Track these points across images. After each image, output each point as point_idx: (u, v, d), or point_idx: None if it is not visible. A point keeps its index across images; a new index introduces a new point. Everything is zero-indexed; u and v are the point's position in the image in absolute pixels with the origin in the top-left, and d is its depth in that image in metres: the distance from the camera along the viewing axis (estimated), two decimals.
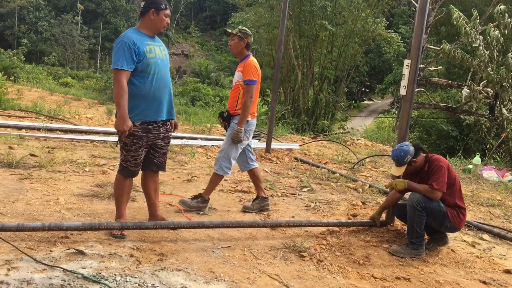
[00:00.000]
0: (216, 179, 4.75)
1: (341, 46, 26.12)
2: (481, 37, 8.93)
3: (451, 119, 19.69)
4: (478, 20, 8.84)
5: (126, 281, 3.02)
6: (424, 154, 4.21)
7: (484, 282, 3.71)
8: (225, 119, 4.74)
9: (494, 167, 8.96)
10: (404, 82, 4.45)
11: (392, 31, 33.88)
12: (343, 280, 3.47)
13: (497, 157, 10.16)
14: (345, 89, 31.24)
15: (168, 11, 3.78)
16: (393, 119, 24.85)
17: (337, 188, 6.48)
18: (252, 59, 4.67)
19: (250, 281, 3.26)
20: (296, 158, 8.46)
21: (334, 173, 7.33)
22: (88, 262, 3.23)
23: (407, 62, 4.43)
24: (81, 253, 3.35)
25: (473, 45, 8.75)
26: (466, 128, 18.69)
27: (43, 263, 3.10)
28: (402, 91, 4.47)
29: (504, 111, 9.35)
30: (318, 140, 11.82)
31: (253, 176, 4.95)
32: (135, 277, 3.09)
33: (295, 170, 7.47)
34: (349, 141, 12.73)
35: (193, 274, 3.25)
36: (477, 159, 8.80)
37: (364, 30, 26.00)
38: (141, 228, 3.76)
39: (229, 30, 4.75)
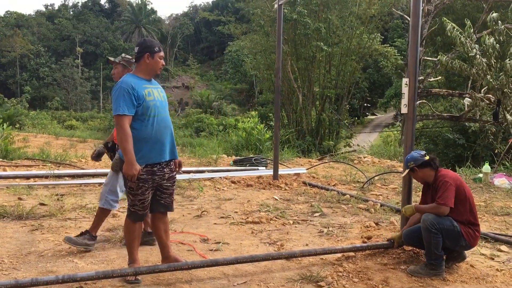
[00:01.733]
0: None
1: (338, 65, 26.33)
2: (477, 46, 8.97)
3: (456, 127, 19.61)
4: (472, 30, 8.91)
5: None
6: (434, 170, 4.17)
7: None
8: (109, 149, 4.60)
9: (504, 173, 8.87)
10: (404, 101, 4.46)
11: (388, 45, 34.15)
12: None
13: (506, 163, 10.07)
14: (347, 106, 31.34)
15: (162, 53, 3.83)
16: (398, 132, 24.79)
17: (348, 210, 6.43)
18: None
19: None
20: (304, 183, 8.42)
21: (344, 194, 7.28)
22: None
23: (405, 80, 4.45)
24: None
25: (470, 54, 8.79)
26: (472, 135, 18.60)
27: None
28: (404, 110, 4.47)
29: (508, 116, 9.32)
30: (325, 162, 11.79)
31: (102, 215, 4.58)
32: None
33: (305, 195, 7.43)
34: (356, 159, 12.69)
35: None
36: (486, 168, 8.72)
37: (360, 47, 26.25)
38: (155, 271, 3.72)
39: (112, 59, 4.59)
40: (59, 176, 8.46)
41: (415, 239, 4.19)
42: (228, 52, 57.45)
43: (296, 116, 26.16)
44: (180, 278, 3.85)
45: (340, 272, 4.04)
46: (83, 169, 9.64)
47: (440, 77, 16.79)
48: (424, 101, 14.28)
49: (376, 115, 57.26)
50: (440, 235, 3.91)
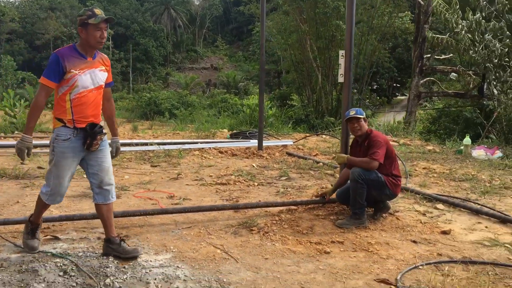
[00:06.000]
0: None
1: (359, 44, 26.31)
2: (464, 22, 9.14)
3: (478, 106, 19.45)
4: (458, 6, 9.07)
5: (87, 256, 3.64)
6: (367, 127, 4.69)
7: (414, 241, 4.11)
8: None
9: (485, 146, 9.13)
10: (341, 71, 4.92)
11: None
12: (281, 246, 3.96)
13: (493, 136, 10.24)
14: (370, 86, 31.15)
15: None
16: (424, 112, 24.59)
17: (315, 175, 6.93)
18: None
19: (194, 250, 3.81)
20: (287, 153, 8.94)
21: (318, 162, 7.77)
22: (59, 244, 3.87)
23: (341, 52, 4.90)
24: (56, 238, 4.00)
25: (455, 30, 9.01)
26: (490, 113, 18.46)
27: (22, 247, 3.75)
28: (340, 79, 4.93)
29: (495, 90, 9.49)
30: (318, 135, 12.22)
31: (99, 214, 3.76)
32: (95, 253, 3.70)
33: (282, 163, 7.96)
34: None
35: (147, 248, 3.83)
36: (467, 140, 9.00)
37: (382, 26, 26.08)
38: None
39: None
40: None
41: (346, 198, 4.71)
42: (256, 32, 57.52)
43: (316, 96, 26.44)
44: (134, 223, 4.49)
45: (275, 220, 4.60)
46: None
47: (451, 55, 16.73)
48: (431, 78, 14.42)
49: (406, 95, 56.42)
50: (365, 185, 4.45)
